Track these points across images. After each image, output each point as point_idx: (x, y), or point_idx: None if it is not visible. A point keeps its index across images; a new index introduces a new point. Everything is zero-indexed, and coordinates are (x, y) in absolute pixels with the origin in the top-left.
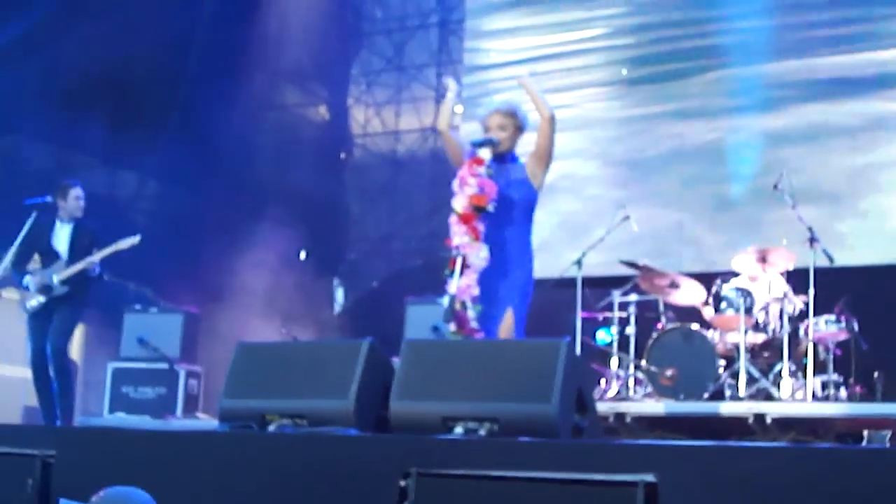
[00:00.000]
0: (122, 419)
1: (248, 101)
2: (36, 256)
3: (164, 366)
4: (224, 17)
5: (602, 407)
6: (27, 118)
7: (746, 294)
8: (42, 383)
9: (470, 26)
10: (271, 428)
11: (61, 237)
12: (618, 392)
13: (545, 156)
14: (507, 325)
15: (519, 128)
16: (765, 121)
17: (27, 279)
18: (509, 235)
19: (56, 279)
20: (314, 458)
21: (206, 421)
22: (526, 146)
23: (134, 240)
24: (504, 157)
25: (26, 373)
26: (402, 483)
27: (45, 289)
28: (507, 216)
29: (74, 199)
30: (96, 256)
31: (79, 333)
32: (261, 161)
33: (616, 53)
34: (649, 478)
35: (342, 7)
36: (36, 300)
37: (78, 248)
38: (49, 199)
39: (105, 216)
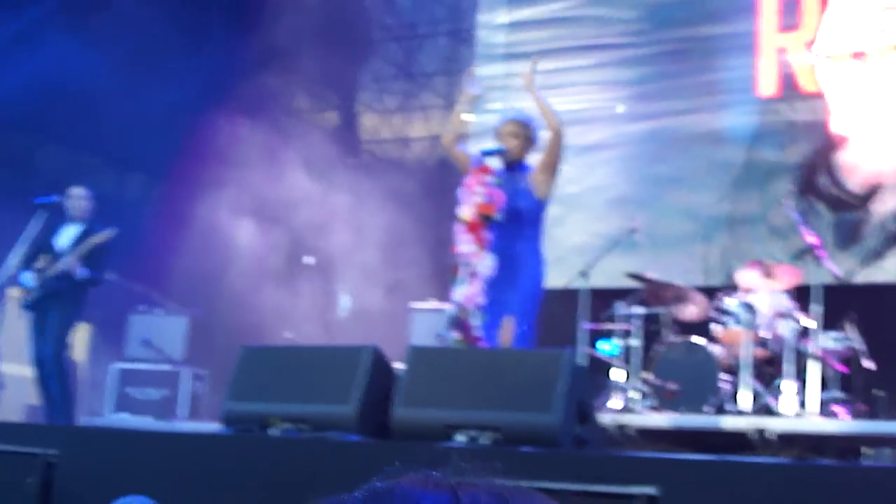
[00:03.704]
0: (126, 420)
1: (258, 104)
2: (42, 256)
3: (169, 367)
4: (235, 21)
5: (605, 418)
6: (39, 118)
7: (751, 309)
8: (44, 384)
9: (481, 35)
10: (273, 432)
11: (65, 237)
12: (621, 404)
13: (552, 166)
14: (505, 334)
15: (530, 139)
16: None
17: (23, 276)
18: (518, 245)
19: (40, 278)
20: (316, 463)
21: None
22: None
23: (109, 233)
24: (514, 166)
25: (30, 371)
26: None
27: (37, 286)
28: (516, 226)
29: (76, 198)
30: (73, 257)
31: (84, 334)
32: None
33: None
34: (651, 490)
35: (353, 14)
36: (29, 297)
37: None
38: (56, 198)
39: (113, 217)
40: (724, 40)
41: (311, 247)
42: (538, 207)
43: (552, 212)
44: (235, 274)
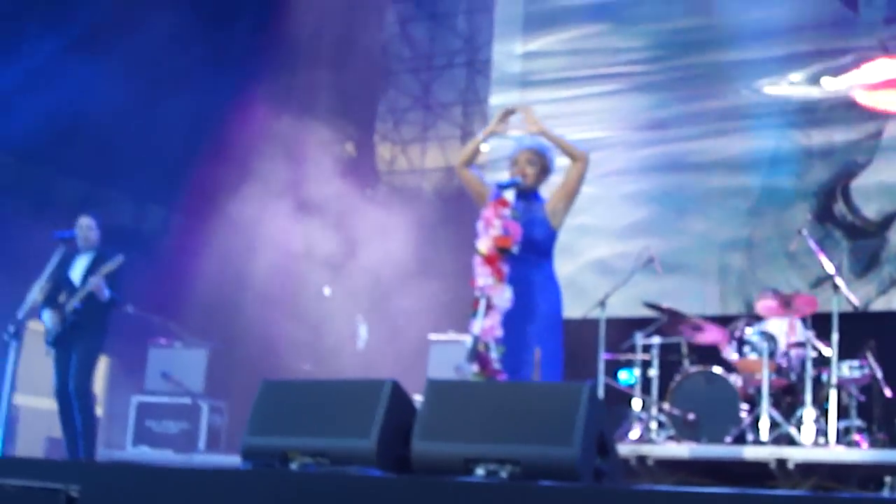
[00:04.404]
0: (146, 453)
1: (276, 135)
2: (62, 291)
3: (188, 400)
4: (252, 55)
5: (624, 449)
6: (58, 150)
7: (769, 338)
8: (66, 417)
9: (496, 65)
10: (293, 466)
11: (78, 268)
12: (640, 434)
13: (571, 194)
14: (535, 366)
15: (546, 168)
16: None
17: (44, 313)
18: (533, 274)
19: (67, 310)
20: (336, 498)
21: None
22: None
23: (120, 259)
24: (528, 196)
25: (50, 404)
26: None
27: (58, 321)
28: (531, 255)
29: (85, 228)
30: (97, 277)
31: (103, 366)
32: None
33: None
34: None
35: (370, 45)
36: (53, 332)
37: (92, 275)
38: (75, 232)
39: (131, 249)
40: (739, 66)
41: (329, 278)
42: (552, 237)
43: (567, 240)
44: (254, 306)
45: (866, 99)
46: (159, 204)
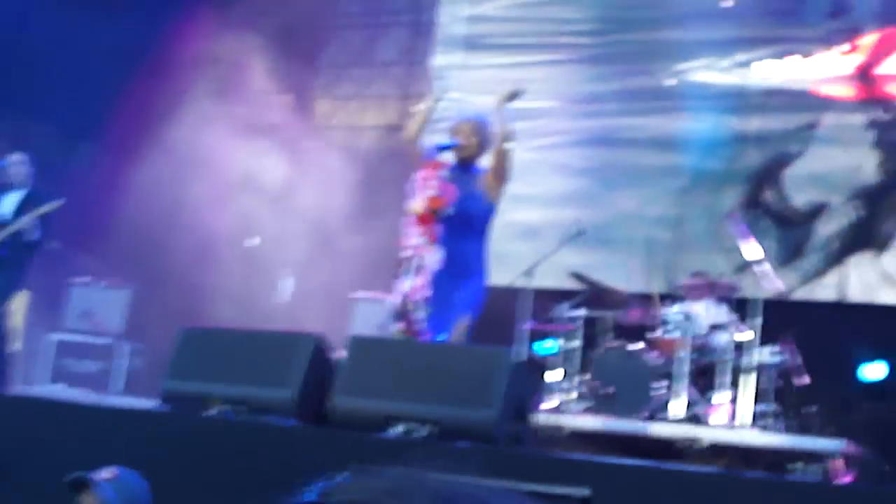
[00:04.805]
0: (61, 391)
1: (213, 72)
2: None
3: (108, 341)
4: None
5: (541, 418)
6: None
7: (690, 318)
8: None
9: (441, 27)
10: (212, 412)
11: (7, 204)
12: (558, 405)
13: (501, 175)
14: (459, 333)
15: (485, 140)
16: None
17: None
18: (465, 245)
19: None
20: (253, 445)
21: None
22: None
23: (57, 203)
24: (466, 166)
25: None
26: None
27: None
28: (465, 225)
29: (16, 164)
30: (31, 217)
31: (22, 301)
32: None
33: (581, 66)
34: (584, 492)
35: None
36: None
37: (25, 213)
38: (4, 168)
39: (58, 185)
40: (683, 46)
41: (256, 228)
42: (487, 211)
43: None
44: (179, 250)
45: (805, 88)
46: (90, 139)
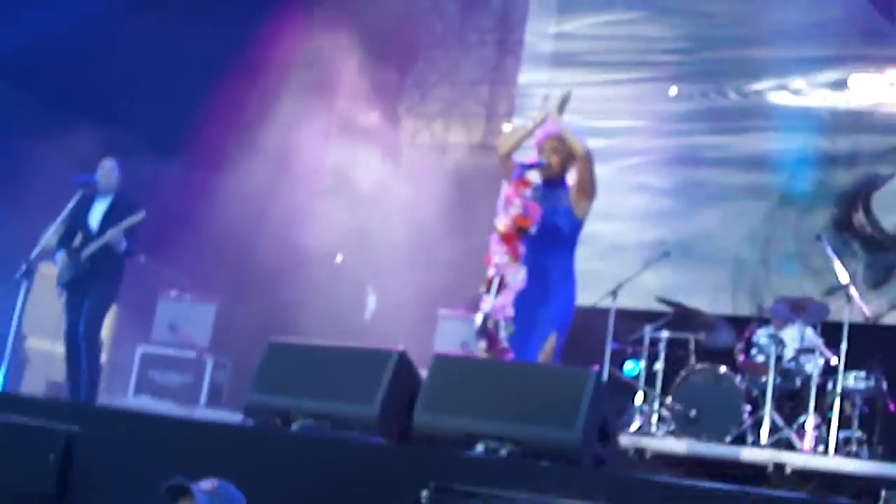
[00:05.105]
0: (147, 403)
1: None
2: (78, 235)
3: (193, 354)
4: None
5: (623, 440)
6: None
7: (778, 342)
8: (73, 360)
9: (528, 44)
10: (294, 427)
11: (96, 213)
12: (640, 427)
13: (587, 189)
14: (547, 351)
15: (572, 155)
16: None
17: (59, 255)
18: (552, 262)
19: (83, 255)
20: (335, 462)
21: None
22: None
23: (141, 215)
24: (553, 183)
25: (54, 347)
26: (422, 495)
27: (72, 265)
28: (551, 242)
29: (107, 170)
30: (118, 230)
31: (110, 314)
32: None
33: (667, 84)
34: None
35: (403, 19)
36: (65, 275)
37: (110, 223)
38: (95, 177)
39: (149, 199)
40: (771, 65)
41: (343, 245)
42: (575, 227)
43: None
44: (266, 263)
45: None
46: (179, 150)
